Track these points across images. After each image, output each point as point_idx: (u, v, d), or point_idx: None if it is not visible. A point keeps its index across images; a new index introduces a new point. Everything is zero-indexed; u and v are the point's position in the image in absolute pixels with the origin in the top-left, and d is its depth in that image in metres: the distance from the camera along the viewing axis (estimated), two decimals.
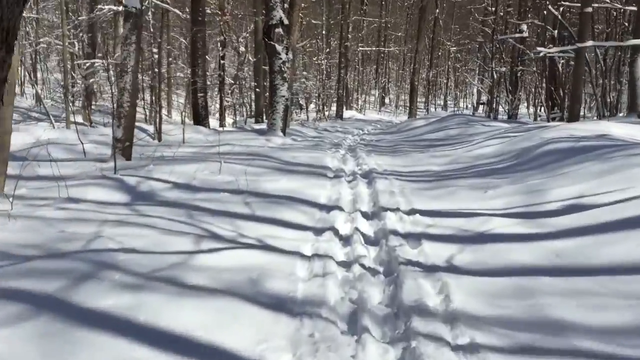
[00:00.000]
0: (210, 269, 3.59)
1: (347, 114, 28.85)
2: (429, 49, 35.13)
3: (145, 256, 3.75)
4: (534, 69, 20.37)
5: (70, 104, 22.10)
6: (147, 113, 17.67)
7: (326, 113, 27.09)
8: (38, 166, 6.97)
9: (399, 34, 42.61)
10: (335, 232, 4.70)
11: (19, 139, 9.40)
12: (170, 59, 25.06)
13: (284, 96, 12.84)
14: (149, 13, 12.27)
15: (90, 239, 4.07)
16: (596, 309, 2.88)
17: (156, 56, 12.24)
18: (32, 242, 3.98)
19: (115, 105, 8.68)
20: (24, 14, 19.14)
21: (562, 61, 21.10)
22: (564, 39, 22.26)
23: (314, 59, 30.76)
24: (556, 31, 20.04)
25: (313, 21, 26.77)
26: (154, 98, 12.77)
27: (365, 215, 5.37)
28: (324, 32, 31.72)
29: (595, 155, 5.80)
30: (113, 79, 20.03)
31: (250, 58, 24.16)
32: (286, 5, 15.31)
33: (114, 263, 3.57)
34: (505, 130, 11.27)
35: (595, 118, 21.50)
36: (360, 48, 34.44)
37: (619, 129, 8.38)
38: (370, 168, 8.53)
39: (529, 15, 23.81)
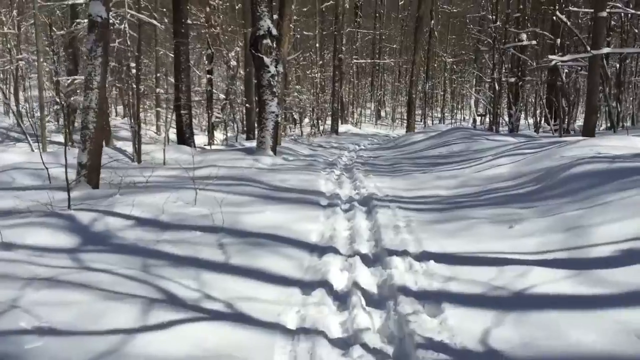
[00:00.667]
0: None
1: (342, 128, 27.93)
2: (425, 60, 34.35)
3: (65, 341, 2.72)
4: (535, 79, 19.54)
5: (56, 123, 21.06)
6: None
7: (321, 128, 26.16)
8: None
9: (394, 46, 41.89)
10: (329, 288, 3.68)
11: None
12: (158, 74, 24.15)
13: (273, 112, 11.86)
14: (125, 24, 11.33)
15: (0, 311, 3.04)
16: None
17: (134, 71, 11.27)
18: None
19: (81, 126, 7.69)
20: (4, 30, 18.03)
21: (565, 70, 20.27)
22: (564, 47, 21.45)
23: (308, 72, 29.91)
24: (559, 40, 19.21)
25: (305, 32, 25.89)
26: (132, 116, 11.79)
27: (365, 260, 4.35)
28: (317, 44, 30.93)
29: None
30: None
31: (241, 72, 23.27)
32: (275, 16, 14.41)
33: (15, 357, 2.53)
34: (515, 146, 10.30)
35: (602, 129, 20.64)
36: (355, 60, 33.62)
37: None
38: (369, 192, 7.53)
39: (528, 25, 23.06)
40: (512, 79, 16.88)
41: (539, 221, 4.73)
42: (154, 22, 10.53)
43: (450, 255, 4.19)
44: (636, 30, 15.10)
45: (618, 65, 20.49)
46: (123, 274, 3.73)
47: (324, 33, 29.38)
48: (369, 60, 36.00)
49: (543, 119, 25.14)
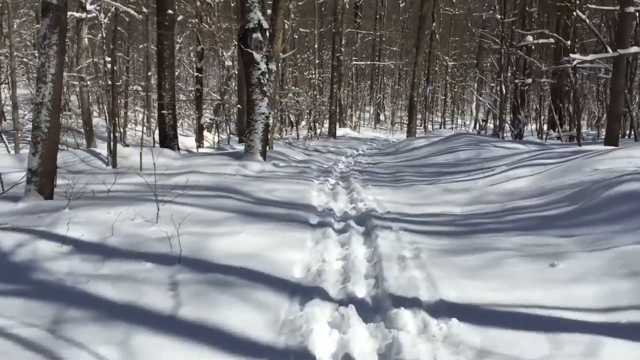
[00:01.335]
0: None
1: (340, 131, 26.86)
2: (426, 64, 33.31)
3: None
4: (546, 81, 18.49)
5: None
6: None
7: (318, 131, 25.08)
8: None
9: (394, 48, 40.83)
10: None
11: None
12: (150, 73, 23.05)
13: (263, 113, 10.78)
14: (101, 14, 10.26)
15: None
16: None
17: (109, 65, 10.19)
18: None
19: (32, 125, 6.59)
20: None
21: (575, 74, 19.24)
22: (574, 49, 20.41)
23: (305, 73, 28.85)
24: (568, 42, 18.18)
25: (301, 29, 24.81)
26: (106, 115, 10.69)
27: (363, 309, 3.26)
28: (315, 44, 29.89)
29: None
30: (70, 94, 17.99)
31: (236, 72, 22.21)
32: (269, 11, 13.35)
33: None
34: (530, 155, 9.22)
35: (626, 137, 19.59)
36: (354, 62, 32.58)
37: None
38: (367, 207, 6.45)
39: (534, 27, 22.04)
40: (529, 80, 15.80)
41: (589, 257, 3.64)
42: (131, 11, 9.45)
43: (478, 308, 3.10)
44: None
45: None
46: (17, 337, 2.63)
47: (322, 31, 28.31)
48: (369, 62, 34.92)
49: (546, 125, 24.13)
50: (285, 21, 18.31)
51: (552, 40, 14.23)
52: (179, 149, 12.54)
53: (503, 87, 16.50)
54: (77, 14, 14.09)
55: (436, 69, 38.14)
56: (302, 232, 5.19)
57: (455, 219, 5.64)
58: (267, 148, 13.60)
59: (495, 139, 15.58)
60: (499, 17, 16.51)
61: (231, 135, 21.95)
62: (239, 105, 18.28)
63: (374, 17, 39.00)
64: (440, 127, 34.93)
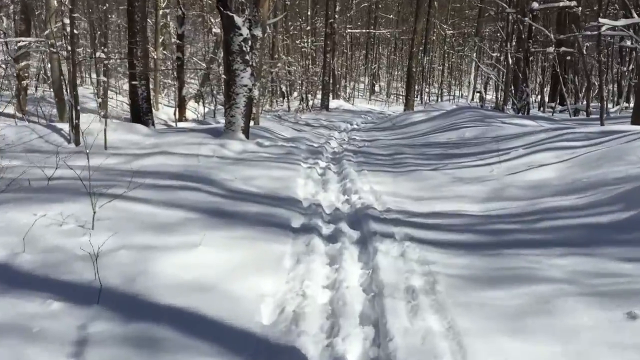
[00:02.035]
0: None
1: (333, 103, 25.56)
2: (423, 32, 31.78)
3: None
4: (554, 51, 17.18)
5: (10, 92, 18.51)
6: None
7: (310, 103, 23.76)
8: None
9: (391, 16, 39.16)
10: None
11: None
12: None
13: (246, 85, 9.53)
14: None
15: None
16: None
17: (68, 29, 8.86)
18: None
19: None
20: None
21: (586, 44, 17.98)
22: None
23: (297, 42, 27.35)
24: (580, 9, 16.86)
25: None
26: (66, 83, 9.37)
27: None
28: (308, 12, 28.32)
29: None
30: (48, 61, 16.60)
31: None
32: None
33: None
34: (549, 135, 8.04)
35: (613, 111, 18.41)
36: (349, 30, 31.03)
37: None
38: (363, 203, 5.31)
39: None
40: (550, 49, 14.46)
41: None
42: None
43: None
44: None
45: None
46: None
47: None
48: (364, 31, 33.35)
49: (547, 97, 22.90)
50: None
51: (574, 3, 12.87)
52: (153, 123, 11.29)
53: (509, 57, 15.20)
54: None
55: (434, 38, 36.63)
56: (280, 242, 4.04)
57: (474, 222, 4.50)
58: (252, 124, 12.38)
59: (500, 114, 14.39)
60: None
61: (219, 107, 20.62)
62: (224, 76, 16.93)
63: None
64: (438, 99, 33.61)
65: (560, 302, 2.71)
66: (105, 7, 16.83)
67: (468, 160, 7.52)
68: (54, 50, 13.48)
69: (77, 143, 9.18)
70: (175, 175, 6.21)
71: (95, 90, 16.46)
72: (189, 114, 18.25)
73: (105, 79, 12.96)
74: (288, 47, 27.37)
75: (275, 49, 25.12)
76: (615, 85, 23.61)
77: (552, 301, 2.73)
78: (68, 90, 9.29)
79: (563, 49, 14.80)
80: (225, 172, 6.65)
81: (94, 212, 4.06)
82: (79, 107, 9.17)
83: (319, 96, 24.59)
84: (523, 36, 15.51)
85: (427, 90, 35.25)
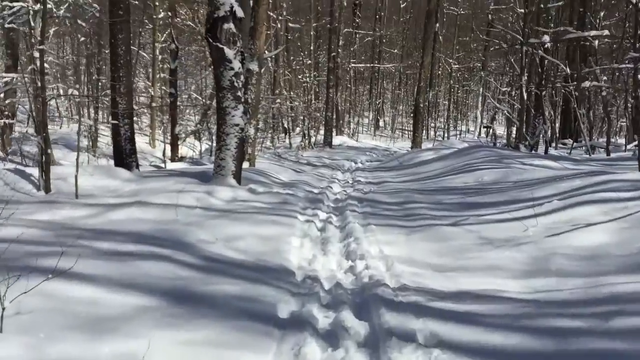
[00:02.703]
0: None
1: (337, 140, 24.63)
2: (430, 66, 31.05)
3: None
4: (570, 86, 16.24)
5: None
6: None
7: (312, 139, 22.82)
8: None
9: (395, 50, 38.59)
10: None
11: None
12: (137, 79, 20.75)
13: (237, 125, 8.52)
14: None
15: None
16: None
17: (39, 63, 7.92)
18: None
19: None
20: None
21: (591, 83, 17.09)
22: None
23: (300, 77, 26.61)
24: (596, 41, 16.04)
25: (292, 24, 22.56)
26: (35, 121, 8.35)
27: None
28: (311, 47, 27.67)
29: None
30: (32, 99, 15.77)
31: None
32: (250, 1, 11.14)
33: None
34: (585, 182, 6.92)
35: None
36: (353, 65, 30.34)
37: None
38: (371, 275, 4.21)
39: (551, 25, 19.89)
40: (589, 84, 13.44)
41: None
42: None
43: None
44: None
45: None
46: None
47: (318, 29, 26.07)
48: (368, 65, 32.67)
49: (558, 134, 21.90)
50: (271, 13, 16.12)
51: (605, 32, 11.93)
52: (137, 166, 10.26)
53: (524, 91, 14.24)
54: (25, 4, 11.89)
55: (439, 72, 35.96)
56: (258, 349, 2.91)
57: (519, 311, 3.37)
58: (248, 165, 11.37)
59: (517, 153, 13.34)
60: (522, 10, 14.27)
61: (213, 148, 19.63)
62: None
63: (373, 17, 36.82)
64: (444, 134, 32.68)
65: None
66: (84, 40, 16.03)
67: (492, 213, 6.40)
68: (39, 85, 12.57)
69: (47, 190, 8.14)
70: (143, 236, 5.12)
71: (84, 129, 15.57)
72: (187, 151, 17.29)
73: (90, 121, 11.98)
74: (290, 82, 26.64)
75: (277, 83, 24.36)
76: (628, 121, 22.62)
77: None
78: (36, 131, 8.29)
79: (593, 83, 13.77)
80: (205, 230, 5.56)
81: (3, 309, 2.95)
82: (49, 151, 8.18)
83: (321, 132, 23.69)
84: (540, 70, 14.57)
85: (432, 125, 34.37)
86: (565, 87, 15.92)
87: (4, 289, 3.03)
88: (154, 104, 15.45)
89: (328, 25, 21.36)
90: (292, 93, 25.17)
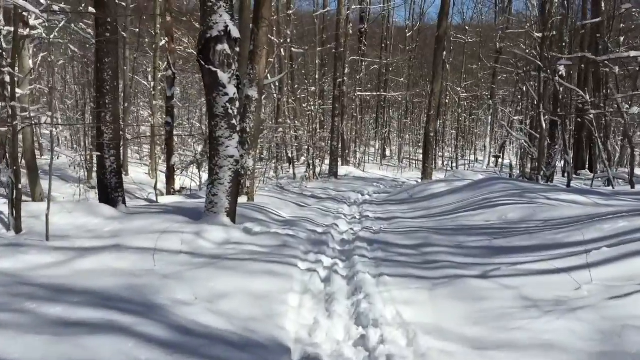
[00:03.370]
0: None
1: (342, 170, 23.75)
2: (439, 94, 30.31)
3: None
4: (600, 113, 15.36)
5: None
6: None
7: (317, 169, 21.92)
8: None
9: (401, 79, 38.00)
10: None
11: None
12: (127, 105, 20.02)
13: (232, 156, 7.62)
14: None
15: None
16: None
17: (9, 88, 7.09)
18: None
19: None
20: None
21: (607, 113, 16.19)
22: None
23: (304, 105, 25.89)
24: (617, 67, 15.22)
25: (294, 49, 21.88)
26: (7, 160, 7.51)
27: None
28: (316, 75, 27.04)
29: None
30: (20, 128, 15.02)
31: None
32: (250, 25, 10.40)
33: None
34: (634, 225, 5.95)
35: None
36: (359, 93, 29.63)
37: None
38: (389, 355, 3.20)
39: (565, 52, 19.11)
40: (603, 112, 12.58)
41: None
42: (33, 9, 6.43)
43: None
44: None
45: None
46: None
47: (324, 58, 25.44)
48: (374, 93, 31.96)
49: (573, 164, 20.95)
50: (274, 38, 15.39)
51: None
52: (124, 202, 9.33)
53: (543, 119, 13.32)
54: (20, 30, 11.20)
55: (446, 100, 35.22)
56: None
57: None
58: (246, 199, 10.44)
59: (537, 186, 12.36)
60: (538, 35, 13.46)
61: None
62: None
63: (379, 46, 36.33)
64: (452, 164, 31.74)
65: None
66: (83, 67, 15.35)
67: (527, 261, 5.41)
68: (27, 115, 11.79)
69: (18, 230, 7.24)
70: (106, 296, 4.16)
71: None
72: (188, 182, 16.41)
73: (64, 152, 11.13)
74: (295, 110, 25.91)
75: (281, 112, 23.62)
76: None
77: None
78: (7, 166, 7.41)
79: (629, 109, 12.86)
80: (185, 285, 4.60)
81: None
82: (20, 186, 7.26)
83: (327, 162, 22.81)
84: (555, 97, 13.69)
85: (440, 154, 33.49)
86: (585, 116, 15.00)
87: None
88: (148, 134, 14.60)
89: (334, 51, 20.63)
90: (296, 122, 24.41)
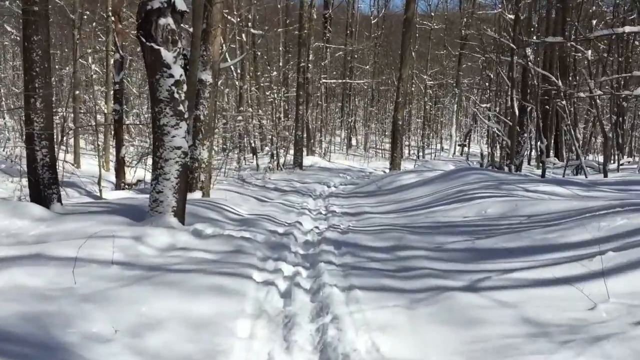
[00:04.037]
0: None
1: (308, 160, 22.89)
2: (409, 80, 29.61)
3: None
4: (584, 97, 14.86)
5: None
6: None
7: (281, 160, 20.98)
8: None
9: (367, 67, 37.24)
10: None
11: None
12: (78, 92, 18.60)
13: (179, 147, 6.64)
14: None
15: None
16: None
17: None
18: None
19: None
20: None
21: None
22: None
23: (268, 93, 24.86)
24: (590, 52, 14.76)
25: (253, 31, 20.82)
26: None
27: None
28: (280, 62, 26.00)
29: None
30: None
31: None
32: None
33: None
34: (633, 224, 5.27)
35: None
36: (324, 80, 28.71)
37: None
38: None
39: (535, 37, 18.65)
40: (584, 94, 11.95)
41: None
42: None
43: None
44: None
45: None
46: None
47: (288, 44, 24.45)
48: (340, 81, 31.11)
49: (540, 152, 20.64)
50: (231, 18, 14.34)
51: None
52: (59, 200, 8.22)
53: (515, 105, 12.69)
54: None
55: (412, 89, 34.62)
56: None
57: None
58: (201, 195, 9.47)
59: (512, 176, 11.75)
60: (510, 17, 12.80)
61: None
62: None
63: (344, 32, 35.45)
64: (419, 153, 31.25)
65: None
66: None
67: (520, 267, 4.66)
68: None
69: None
70: None
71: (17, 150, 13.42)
72: (145, 174, 15.25)
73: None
74: (258, 98, 24.87)
75: (243, 100, 22.57)
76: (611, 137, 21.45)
77: None
78: None
79: (598, 93, 12.31)
80: (107, 311, 3.67)
81: None
82: None
83: (291, 152, 21.89)
84: (532, 82, 13.09)
85: (406, 143, 32.95)
86: (557, 102, 14.48)
87: None
88: (93, 123, 13.41)
89: (297, 32, 19.64)
90: (259, 110, 23.39)
